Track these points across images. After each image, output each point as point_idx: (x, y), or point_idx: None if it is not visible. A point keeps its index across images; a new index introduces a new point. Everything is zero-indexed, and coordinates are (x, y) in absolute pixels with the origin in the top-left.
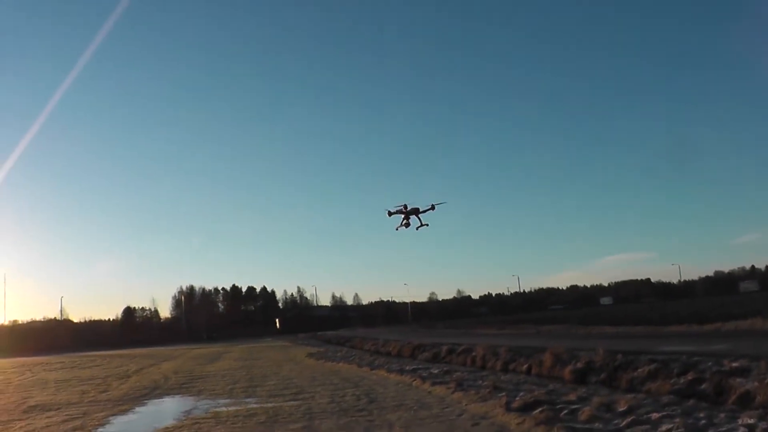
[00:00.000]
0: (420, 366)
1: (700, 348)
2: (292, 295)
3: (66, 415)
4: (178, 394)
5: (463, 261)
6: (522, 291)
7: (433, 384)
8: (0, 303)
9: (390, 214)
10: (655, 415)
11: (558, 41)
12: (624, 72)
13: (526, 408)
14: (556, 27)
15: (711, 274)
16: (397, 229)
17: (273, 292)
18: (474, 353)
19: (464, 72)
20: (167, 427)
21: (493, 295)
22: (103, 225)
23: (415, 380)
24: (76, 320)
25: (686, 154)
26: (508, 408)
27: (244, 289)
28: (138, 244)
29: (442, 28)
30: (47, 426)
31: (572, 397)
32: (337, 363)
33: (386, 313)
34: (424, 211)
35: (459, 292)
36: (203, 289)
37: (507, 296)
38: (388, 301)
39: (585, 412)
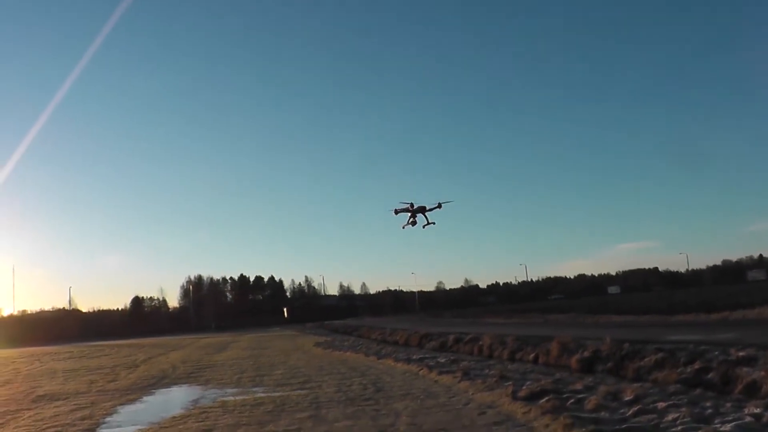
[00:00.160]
0: (427, 355)
1: (707, 337)
2: (299, 284)
3: (74, 404)
4: (185, 383)
5: (470, 250)
6: (530, 280)
7: (440, 373)
8: (9, 293)
9: (396, 212)
10: (661, 405)
11: (570, 29)
12: (634, 60)
13: (532, 397)
14: (569, 13)
15: (719, 263)
16: (403, 228)
17: (281, 281)
18: (481, 342)
19: (475, 62)
20: (175, 416)
21: (501, 284)
22: (112, 215)
23: (422, 369)
24: (84, 310)
25: (694, 143)
26: (514, 397)
27: (252, 279)
28: (146, 235)
29: (464, 17)
30: (55, 415)
31: (579, 386)
32: (345, 352)
33: (394, 302)
34: (431, 209)
35: (466, 281)
36: (211, 279)
37: (515, 285)
38: (396, 290)
39: (591, 401)
